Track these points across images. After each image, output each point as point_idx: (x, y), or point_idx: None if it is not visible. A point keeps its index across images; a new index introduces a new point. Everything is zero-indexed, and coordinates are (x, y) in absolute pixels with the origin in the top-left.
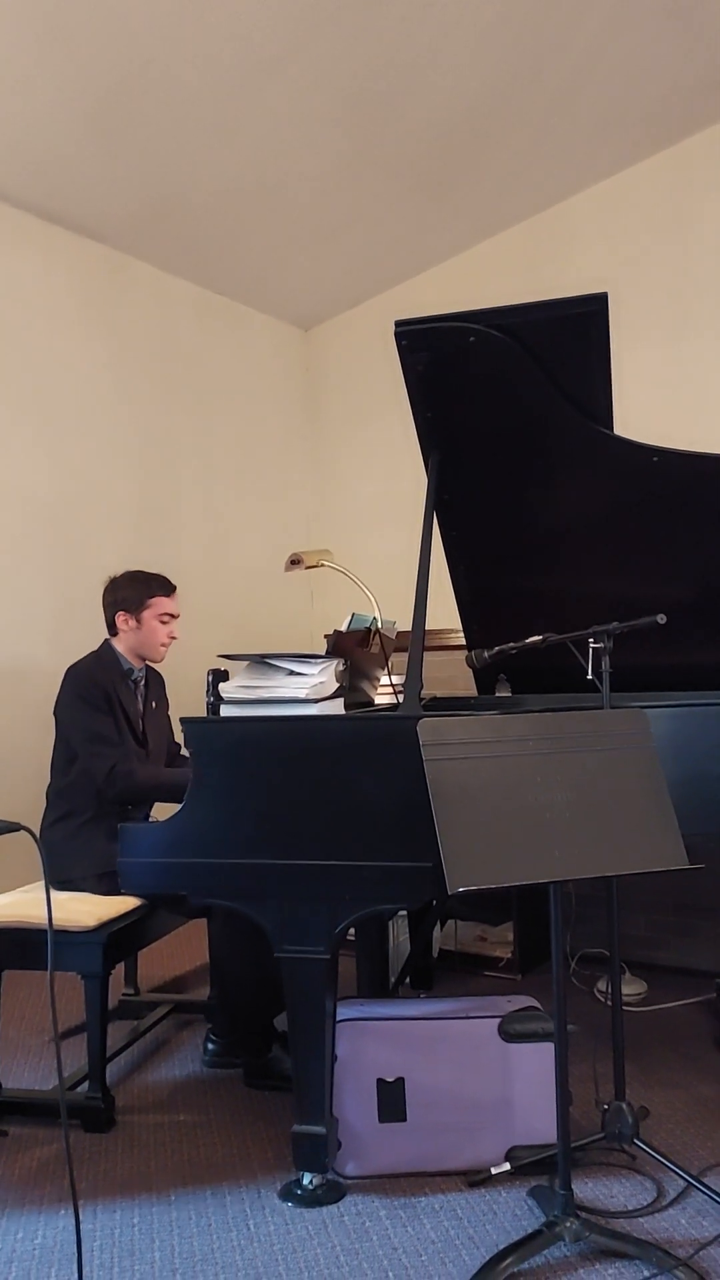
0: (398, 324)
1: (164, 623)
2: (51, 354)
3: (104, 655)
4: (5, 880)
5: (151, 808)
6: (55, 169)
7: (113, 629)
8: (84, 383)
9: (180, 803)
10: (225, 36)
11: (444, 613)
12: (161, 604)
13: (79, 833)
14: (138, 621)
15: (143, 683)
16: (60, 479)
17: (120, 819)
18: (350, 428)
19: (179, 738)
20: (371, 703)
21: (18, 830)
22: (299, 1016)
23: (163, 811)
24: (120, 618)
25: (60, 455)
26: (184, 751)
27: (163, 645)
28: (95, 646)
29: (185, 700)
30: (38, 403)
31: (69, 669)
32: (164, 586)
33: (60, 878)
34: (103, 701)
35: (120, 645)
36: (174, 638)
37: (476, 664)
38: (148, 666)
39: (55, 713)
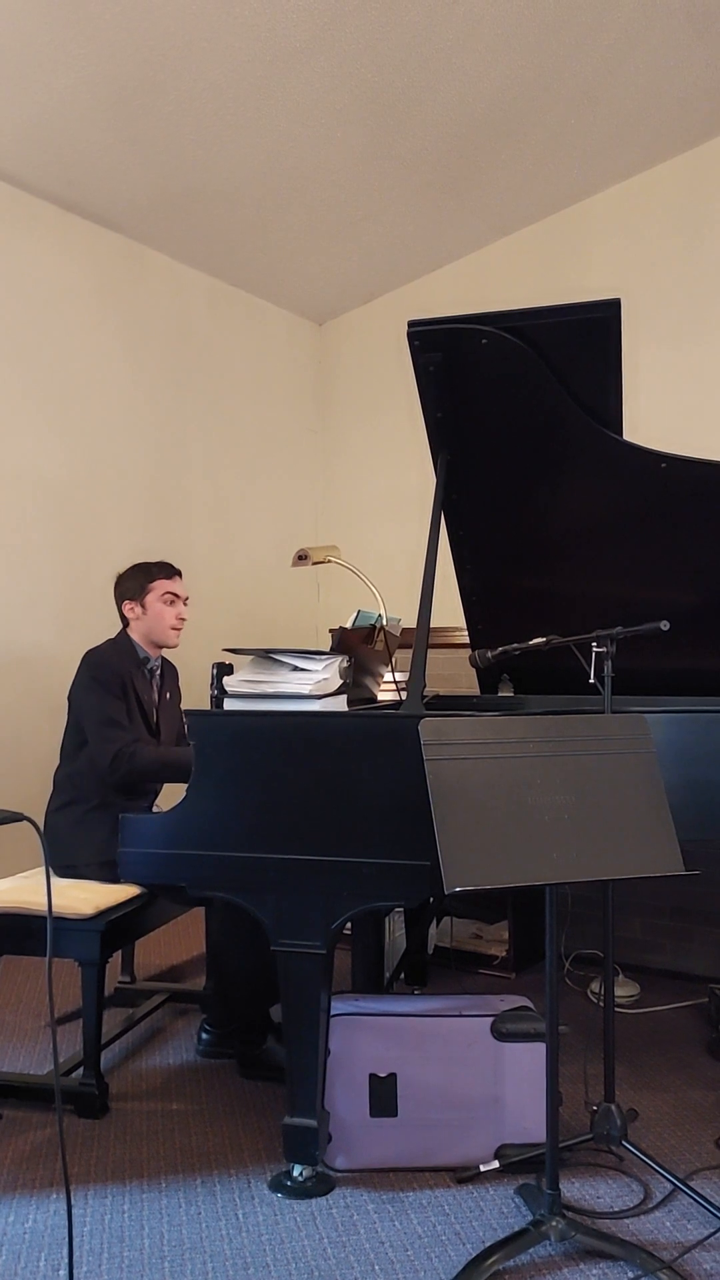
0: (411, 324)
1: (169, 603)
2: (66, 341)
3: (121, 642)
4: (9, 864)
5: (156, 797)
6: (74, 158)
7: (123, 619)
8: (98, 370)
9: (186, 782)
10: (247, 29)
11: (448, 610)
12: (163, 585)
13: (83, 819)
14: (143, 607)
15: (158, 673)
16: (72, 465)
17: (124, 808)
18: (360, 423)
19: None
20: (374, 699)
21: (20, 820)
22: (293, 1010)
23: (167, 802)
24: (126, 606)
25: (73, 441)
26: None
27: (173, 628)
28: (102, 634)
29: (190, 690)
30: (52, 389)
31: (87, 653)
32: (164, 569)
33: (63, 864)
34: (118, 687)
35: (135, 634)
36: (183, 619)
37: (480, 664)
38: (164, 659)
39: (70, 696)
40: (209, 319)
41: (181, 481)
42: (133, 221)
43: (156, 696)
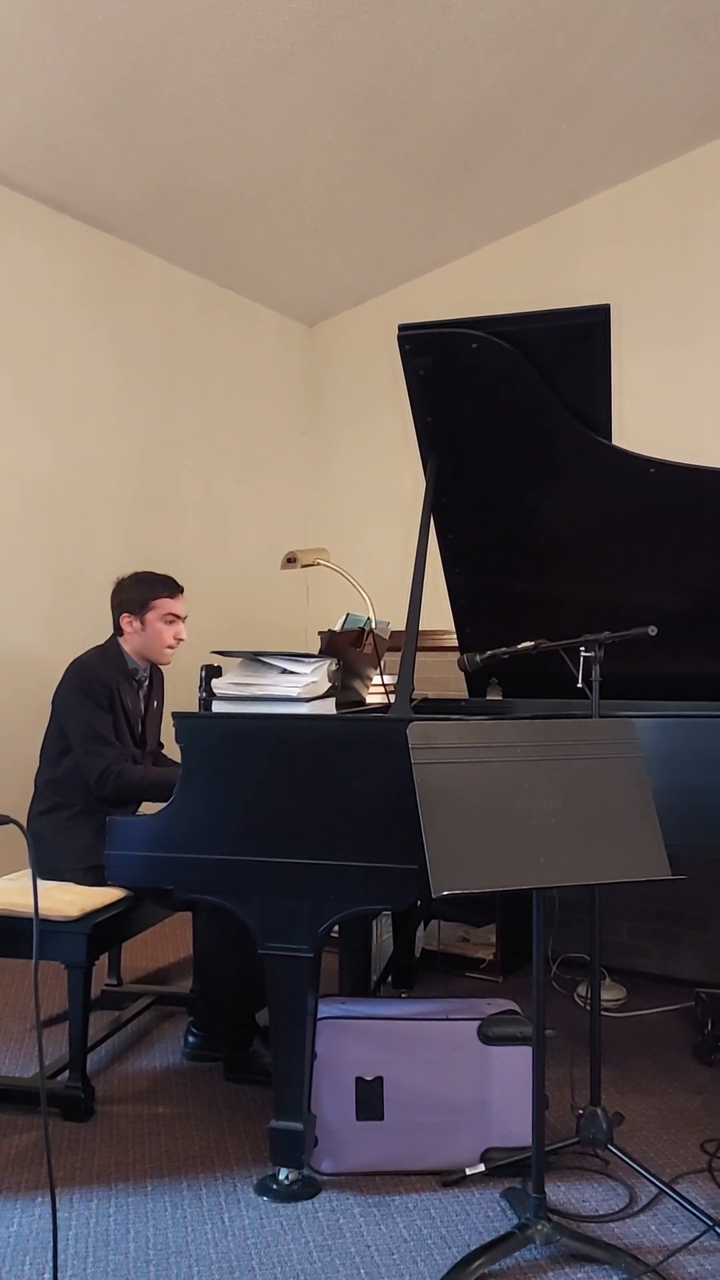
0: (401, 328)
1: (169, 623)
2: (56, 341)
3: (110, 650)
4: None
5: (135, 811)
6: (65, 158)
7: (118, 629)
8: (88, 371)
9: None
10: (239, 31)
11: (437, 613)
12: (165, 605)
13: (66, 825)
14: (141, 623)
15: (146, 682)
16: (62, 467)
17: (109, 813)
18: (351, 426)
19: (165, 742)
20: (363, 702)
21: (7, 824)
22: (280, 1013)
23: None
24: (124, 619)
25: (62, 443)
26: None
27: (169, 648)
28: (90, 636)
29: (178, 692)
30: (41, 389)
31: (74, 661)
32: (169, 587)
33: (46, 869)
34: (105, 699)
35: (127, 646)
36: (180, 639)
37: (468, 667)
38: (152, 666)
39: (54, 702)
40: (200, 320)
41: (171, 483)
42: (124, 222)
43: (143, 706)
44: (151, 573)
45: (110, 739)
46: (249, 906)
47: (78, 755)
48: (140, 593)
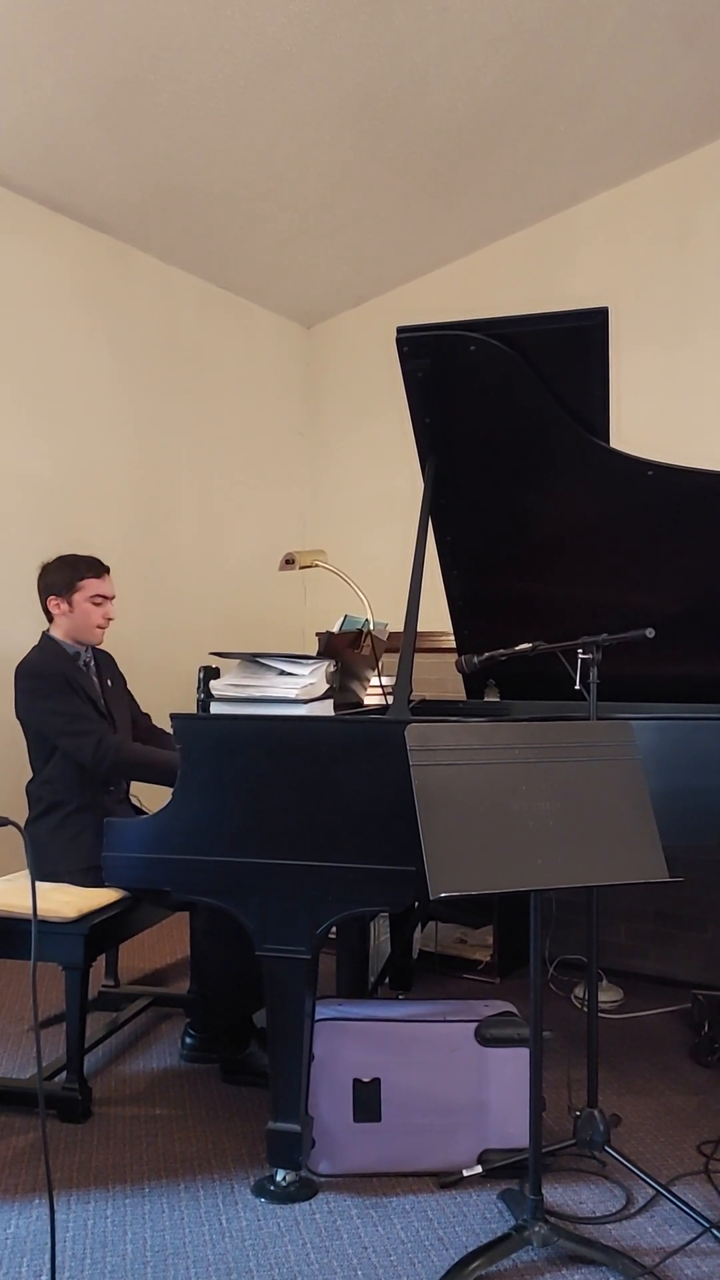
0: (399, 330)
1: (96, 604)
2: (54, 342)
3: (47, 647)
4: None
5: (126, 793)
6: (63, 158)
7: (47, 614)
8: (85, 371)
9: (171, 785)
10: (238, 32)
11: (435, 614)
12: (91, 585)
13: (62, 825)
14: (69, 605)
15: (92, 663)
16: (59, 467)
17: (106, 811)
18: (348, 427)
19: (159, 730)
20: (361, 704)
21: (5, 825)
22: (278, 1015)
23: (150, 799)
24: (51, 601)
25: (59, 443)
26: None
27: (98, 627)
28: None
29: (176, 693)
30: (38, 389)
31: (17, 668)
32: (93, 568)
33: (44, 872)
34: (65, 685)
35: (58, 632)
36: (110, 619)
37: (466, 669)
38: (94, 648)
39: (18, 715)
40: (197, 321)
41: (168, 483)
42: (122, 223)
43: (99, 685)
44: (75, 555)
45: (89, 715)
46: (247, 908)
47: (63, 745)
48: (65, 575)
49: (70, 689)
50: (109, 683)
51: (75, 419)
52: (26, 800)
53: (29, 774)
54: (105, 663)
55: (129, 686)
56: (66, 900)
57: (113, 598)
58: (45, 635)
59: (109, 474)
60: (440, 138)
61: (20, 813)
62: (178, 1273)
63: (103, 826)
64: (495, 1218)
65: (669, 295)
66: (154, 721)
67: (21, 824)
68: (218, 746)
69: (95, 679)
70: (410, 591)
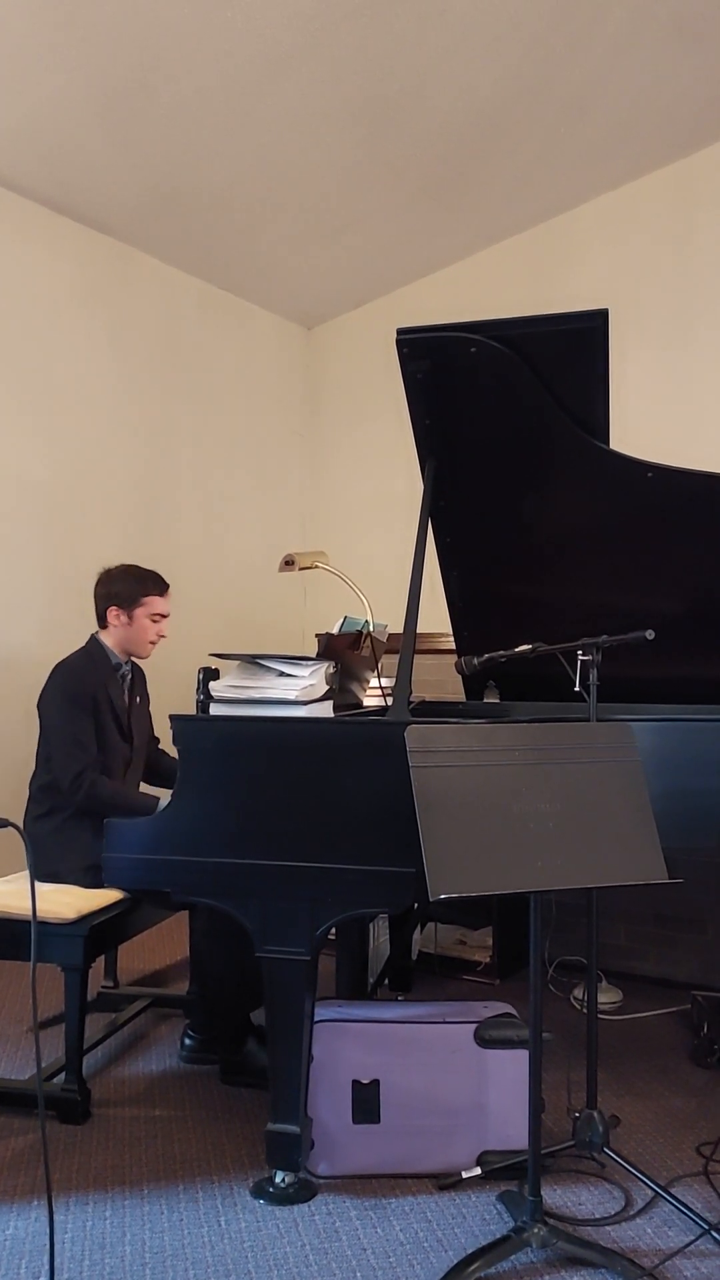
0: (400, 332)
1: (154, 621)
2: (54, 343)
3: (94, 652)
4: None
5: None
6: (64, 160)
7: (103, 621)
8: (85, 372)
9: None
10: (239, 33)
11: (435, 616)
12: (155, 603)
13: (64, 826)
14: (129, 618)
15: (129, 678)
16: (58, 468)
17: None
18: (348, 428)
19: (161, 737)
20: (360, 705)
21: (5, 827)
22: (277, 1016)
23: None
24: (112, 612)
25: (59, 444)
26: (162, 746)
27: (151, 643)
28: (85, 638)
29: (175, 695)
30: (39, 390)
31: (58, 665)
32: (158, 585)
33: (45, 871)
34: (88, 703)
35: (108, 639)
36: (162, 636)
37: (466, 670)
38: (133, 661)
39: (39, 706)
40: (197, 322)
41: (168, 484)
42: (122, 224)
43: (127, 700)
44: (140, 568)
45: (89, 745)
46: (247, 909)
47: (55, 756)
48: (130, 587)
49: (92, 706)
50: (138, 699)
51: (75, 419)
52: (29, 796)
53: (28, 772)
54: (140, 679)
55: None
56: (66, 901)
57: (169, 616)
58: (94, 639)
59: (109, 474)
60: (440, 140)
61: (20, 811)
62: (176, 1274)
63: (103, 826)
64: (494, 1219)
65: (669, 297)
66: (156, 730)
67: (22, 821)
68: (217, 748)
69: (126, 694)
70: (410, 593)
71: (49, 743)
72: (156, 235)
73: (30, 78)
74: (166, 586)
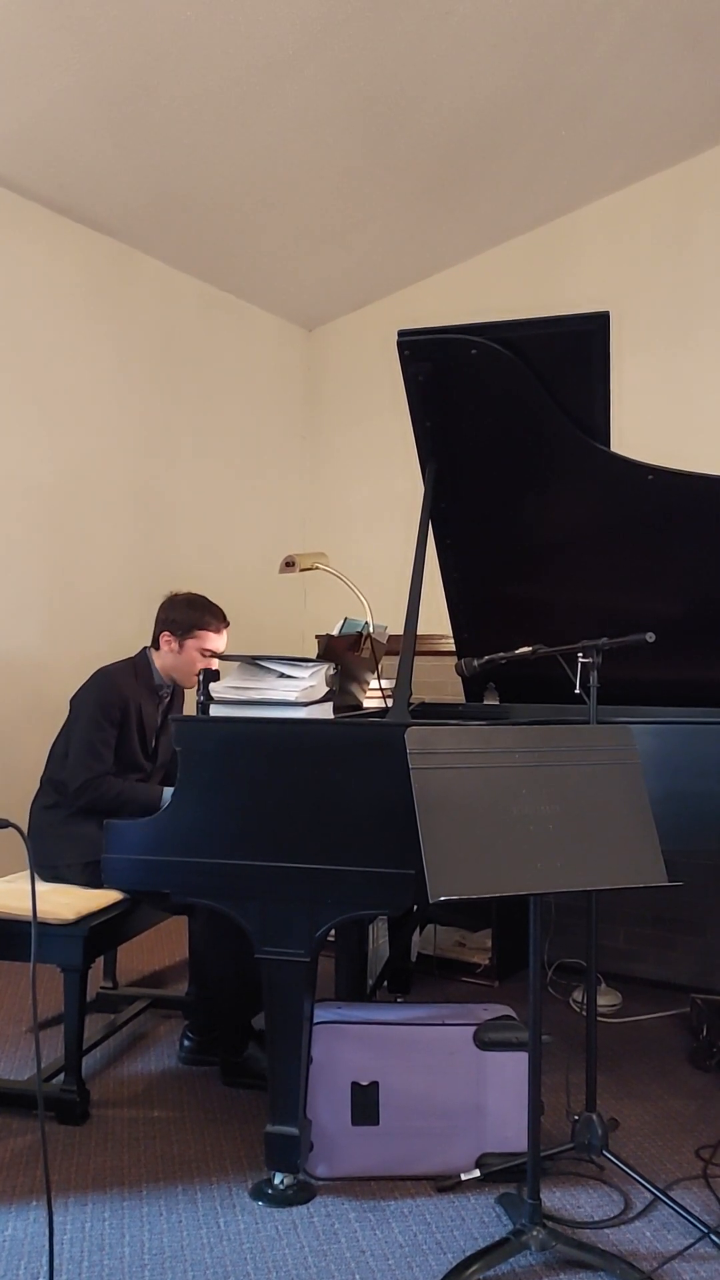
0: (401, 334)
1: (204, 655)
2: (55, 344)
3: (139, 665)
4: None
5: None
6: (66, 161)
7: (156, 643)
8: (87, 374)
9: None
10: (241, 35)
11: (435, 617)
12: (207, 638)
13: (68, 820)
14: (180, 646)
15: (168, 699)
16: (60, 469)
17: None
18: (349, 430)
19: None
20: (360, 707)
21: (6, 828)
22: (277, 1017)
23: None
24: (165, 637)
25: (61, 445)
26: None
27: (196, 675)
28: (88, 639)
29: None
30: (40, 391)
31: (101, 670)
32: (216, 620)
33: (46, 864)
34: (117, 714)
35: (157, 659)
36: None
37: (466, 672)
38: (175, 684)
39: (72, 701)
40: (199, 323)
41: (169, 486)
42: (124, 225)
43: (159, 719)
44: (204, 599)
45: (105, 755)
46: (246, 910)
47: (71, 756)
48: (188, 616)
49: (121, 719)
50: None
51: (76, 421)
52: (39, 783)
53: (29, 774)
54: (179, 702)
55: None
56: (65, 902)
57: (220, 652)
58: (144, 652)
59: (110, 476)
60: (442, 142)
61: (21, 812)
62: (175, 1276)
63: (104, 825)
64: (493, 1222)
65: (670, 300)
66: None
67: (29, 808)
68: (217, 749)
69: (161, 714)
70: (410, 594)
71: (69, 741)
72: (158, 237)
73: (33, 80)
74: (225, 623)
